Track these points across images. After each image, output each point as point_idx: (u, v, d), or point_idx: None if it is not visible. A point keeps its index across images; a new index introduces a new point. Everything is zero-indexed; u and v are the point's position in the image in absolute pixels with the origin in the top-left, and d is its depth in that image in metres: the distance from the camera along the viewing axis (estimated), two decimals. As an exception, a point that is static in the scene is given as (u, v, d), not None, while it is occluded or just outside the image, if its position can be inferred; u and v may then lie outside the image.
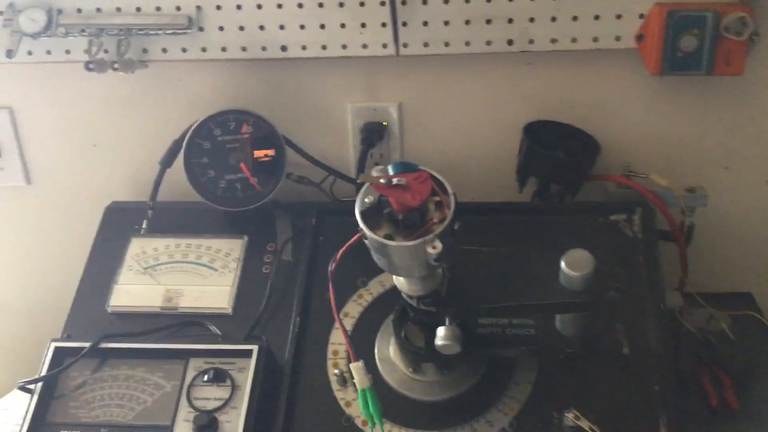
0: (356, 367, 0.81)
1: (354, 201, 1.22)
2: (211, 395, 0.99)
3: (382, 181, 0.77)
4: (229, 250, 1.17)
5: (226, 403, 0.98)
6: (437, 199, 0.80)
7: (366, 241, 0.80)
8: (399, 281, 0.89)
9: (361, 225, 0.79)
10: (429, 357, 0.97)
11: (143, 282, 1.15)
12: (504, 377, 0.99)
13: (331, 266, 0.80)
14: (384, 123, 1.21)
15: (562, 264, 0.85)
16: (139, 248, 1.18)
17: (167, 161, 1.18)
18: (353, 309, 1.08)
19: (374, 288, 1.10)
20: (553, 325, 0.95)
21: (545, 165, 1.13)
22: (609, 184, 1.15)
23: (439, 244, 0.77)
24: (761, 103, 1.13)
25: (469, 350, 0.90)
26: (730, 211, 1.20)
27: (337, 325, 0.82)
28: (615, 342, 0.97)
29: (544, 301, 0.87)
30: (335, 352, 1.05)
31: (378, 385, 0.99)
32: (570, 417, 0.95)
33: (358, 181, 0.78)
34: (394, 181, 0.76)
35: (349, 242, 0.80)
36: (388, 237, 0.79)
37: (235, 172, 1.16)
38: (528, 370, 1.00)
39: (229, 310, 1.11)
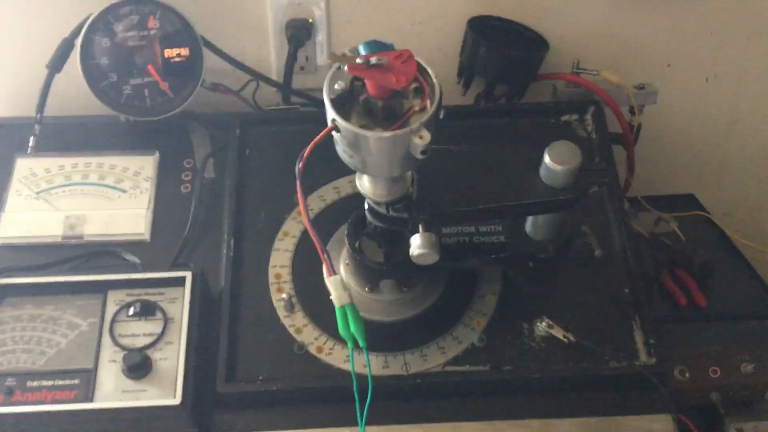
0: (334, 282, 0.69)
1: (279, 110, 1.10)
2: (139, 331, 0.85)
3: (358, 60, 0.64)
4: (138, 168, 1.01)
5: (159, 338, 0.85)
6: (414, 85, 0.69)
7: (336, 135, 0.68)
8: (365, 186, 0.78)
9: (334, 115, 0.66)
10: (390, 272, 0.87)
11: (37, 208, 0.97)
12: (467, 290, 0.92)
13: (299, 165, 0.68)
14: (309, 20, 1.07)
15: (546, 158, 0.77)
16: (26, 170, 1.00)
17: (56, 65, 0.99)
18: (293, 227, 0.97)
19: (314, 204, 0.98)
20: (523, 230, 0.87)
21: (492, 63, 1.04)
22: (558, 83, 1.08)
23: (427, 134, 0.66)
24: (706, -1, 1.09)
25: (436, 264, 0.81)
26: (672, 110, 1.17)
27: (308, 231, 0.67)
28: (586, 245, 0.91)
29: (526, 200, 0.78)
30: (278, 276, 0.93)
31: (331, 308, 0.89)
32: (542, 326, 0.88)
33: (328, 59, 0.65)
34: (373, 60, 0.64)
35: (318, 137, 0.67)
36: (365, 128, 0.67)
37: (142, 76, 1.00)
38: (491, 281, 0.92)
39: (147, 236, 0.96)
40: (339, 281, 0.70)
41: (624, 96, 1.07)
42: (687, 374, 0.89)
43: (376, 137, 0.66)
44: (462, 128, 1.04)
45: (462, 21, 1.06)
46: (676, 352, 0.90)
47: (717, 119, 1.20)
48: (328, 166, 0.80)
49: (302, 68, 1.10)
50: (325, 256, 0.69)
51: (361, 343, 0.71)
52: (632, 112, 1.09)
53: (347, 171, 0.99)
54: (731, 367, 0.90)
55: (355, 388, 0.72)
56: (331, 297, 0.70)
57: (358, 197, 0.97)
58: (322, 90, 1.11)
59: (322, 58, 1.11)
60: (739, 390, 0.90)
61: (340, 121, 0.66)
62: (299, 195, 0.68)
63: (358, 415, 0.72)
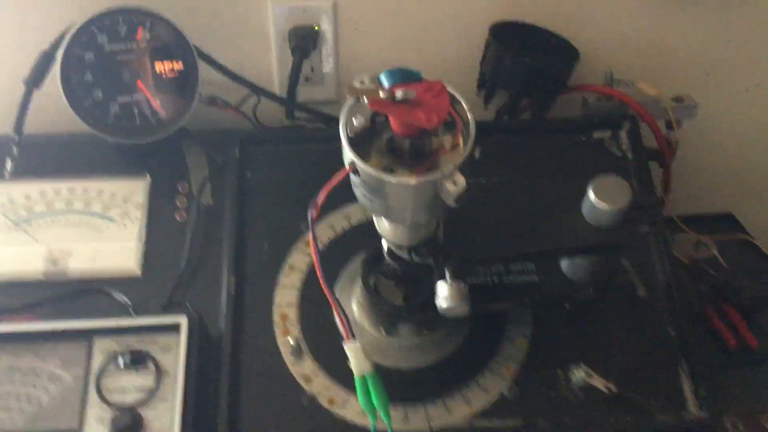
0: (353, 349, 0.60)
1: (283, 127, 1.01)
2: (129, 385, 0.76)
3: (381, 94, 0.55)
4: (128, 195, 0.91)
5: (152, 394, 0.75)
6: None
7: (355, 178, 0.59)
8: (384, 229, 0.68)
9: (353, 157, 0.57)
10: (410, 316, 0.78)
11: (15, 241, 0.88)
12: (494, 333, 0.83)
13: (311, 213, 0.58)
14: (315, 27, 0.97)
15: (591, 196, 0.68)
16: (4, 196, 0.91)
17: (35, 80, 0.89)
18: (299, 261, 0.87)
19: (324, 233, 0.89)
20: (558, 269, 0.78)
21: (518, 75, 0.94)
22: (589, 95, 0.98)
23: (461, 179, 0.57)
24: (746, 3, 0.98)
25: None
26: (709, 122, 1.07)
27: (322, 287, 0.58)
28: (627, 283, 0.82)
29: (568, 243, 0.69)
30: (283, 316, 0.84)
31: (344, 353, 0.80)
32: (579, 374, 0.79)
33: (349, 94, 0.56)
34: (399, 94, 0.55)
35: (334, 181, 0.58)
36: (387, 170, 0.58)
37: (131, 93, 0.90)
38: (522, 323, 0.83)
39: (138, 272, 0.87)
40: (359, 348, 0.60)
41: (661, 109, 0.97)
42: (740, 427, 0.80)
43: (403, 183, 0.57)
44: (484, 146, 0.94)
45: (483, 26, 0.97)
46: (727, 400, 0.81)
47: (758, 132, 1.10)
48: (337, 190, 0.70)
49: (307, 79, 1.01)
50: (344, 318, 0.59)
51: (384, 418, 0.62)
52: (669, 126, 0.99)
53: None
54: (788, 416, 0.81)
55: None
56: (350, 364, 0.61)
57: (369, 225, 0.88)
58: (329, 103, 1.04)
59: (328, 67, 1.01)
60: (798, 442, 0.81)
61: (360, 165, 0.56)
62: (313, 250, 0.59)
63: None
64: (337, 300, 0.60)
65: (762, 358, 0.85)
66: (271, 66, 1.01)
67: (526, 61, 0.93)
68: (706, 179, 1.13)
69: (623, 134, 0.95)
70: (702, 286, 0.93)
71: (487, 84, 0.97)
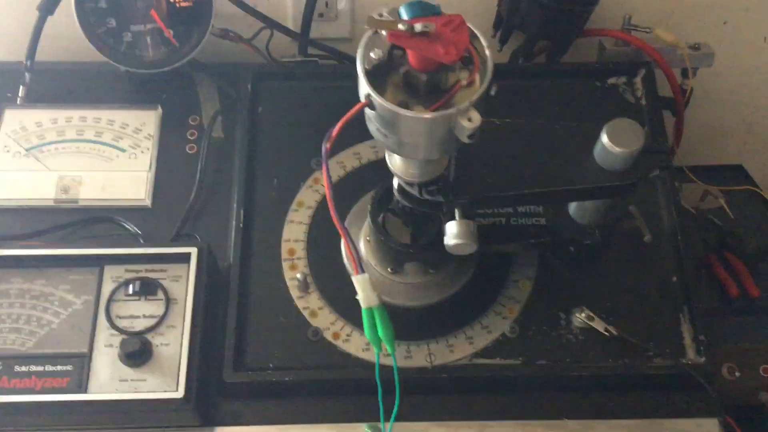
0: (361, 281, 0.61)
1: (296, 62, 1.00)
2: (138, 312, 0.77)
3: (400, 27, 0.54)
4: (139, 125, 0.92)
5: (161, 321, 0.77)
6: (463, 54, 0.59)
7: (370, 112, 0.59)
8: (396, 165, 0.68)
9: (369, 90, 0.57)
10: (417, 255, 0.79)
11: (26, 167, 0.89)
12: (499, 274, 0.84)
13: (326, 146, 0.58)
14: (331, -39, 0.96)
15: (604, 138, 0.68)
16: (16, 123, 0.91)
17: (48, 6, 0.88)
18: (308, 197, 0.88)
19: (333, 171, 0.89)
20: (566, 212, 0.78)
21: (534, 15, 0.92)
22: (606, 40, 0.97)
23: (476, 116, 0.57)
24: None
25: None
26: (724, 71, 1.06)
27: (334, 223, 0.58)
28: (633, 229, 0.82)
29: (578, 185, 0.69)
30: (291, 252, 0.85)
31: (350, 288, 0.81)
32: (581, 317, 0.80)
33: (367, 25, 0.55)
34: (418, 27, 0.54)
35: (350, 114, 0.58)
36: (403, 105, 0.57)
37: (144, 22, 0.89)
38: (526, 265, 0.84)
39: (148, 202, 0.87)
40: (367, 281, 0.61)
41: (677, 57, 0.97)
42: (736, 373, 0.81)
43: (418, 118, 0.56)
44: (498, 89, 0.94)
45: (501, -33, 0.95)
46: (725, 347, 0.82)
47: (772, 83, 1.10)
48: (348, 128, 0.71)
49: (321, 15, 1.00)
50: (354, 251, 0.60)
51: (389, 350, 0.63)
52: (684, 74, 0.98)
53: (368, 135, 0.91)
54: (784, 365, 0.83)
55: (380, 399, 0.65)
56: (358, 297, 0.62)
57: (380, 164, 0.88)
58: (343, 40, 1.03)
59: (343, 3, 1.00)
60: (792, 390, 0.83)
61: (376, 98, 0.56)
62: (326, 183, 0.59)
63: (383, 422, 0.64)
64: (347, 232, 0.60)
65: (763, 308, 0.86)
66: (285, 0, 0.99)
67: (544, 3, 0.91)
68: (718, 129, 1.12)
69: (638, 81, 0.94)
70: (707, 235, 0.94)
71: (503, 25, 0.96)
